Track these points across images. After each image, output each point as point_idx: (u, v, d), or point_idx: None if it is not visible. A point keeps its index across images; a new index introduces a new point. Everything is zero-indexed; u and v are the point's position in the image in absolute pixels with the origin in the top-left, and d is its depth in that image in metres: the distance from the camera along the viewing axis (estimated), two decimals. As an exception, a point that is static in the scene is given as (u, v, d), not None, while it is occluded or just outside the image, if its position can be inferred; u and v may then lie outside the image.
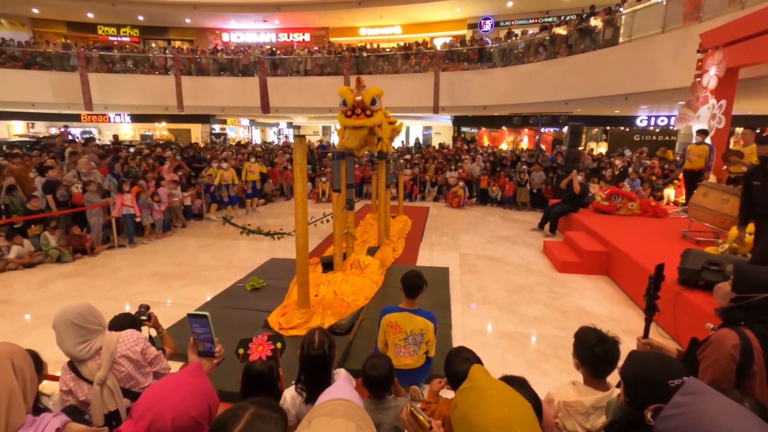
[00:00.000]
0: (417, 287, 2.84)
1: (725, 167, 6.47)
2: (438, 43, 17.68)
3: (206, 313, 1.34)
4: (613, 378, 1.51)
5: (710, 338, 1.65)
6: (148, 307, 2.44)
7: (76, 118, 18.65)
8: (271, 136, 25.90)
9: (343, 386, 1.11)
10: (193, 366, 1.17)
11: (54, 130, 18.65)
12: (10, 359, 1.17)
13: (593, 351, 1.56)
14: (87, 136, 17.27)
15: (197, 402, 1.05)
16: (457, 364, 1.67)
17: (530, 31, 15.58)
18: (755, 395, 1.47)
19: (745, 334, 1.57)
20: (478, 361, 1.74)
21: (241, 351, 1.83)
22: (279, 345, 1.86)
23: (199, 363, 1.23)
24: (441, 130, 22.26)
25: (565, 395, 1.54)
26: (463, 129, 20.59)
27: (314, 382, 1.75)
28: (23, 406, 1.16)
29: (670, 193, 9.06)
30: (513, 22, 19.16)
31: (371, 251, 6.21)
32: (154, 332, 2.51)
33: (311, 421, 0.81)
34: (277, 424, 0.88)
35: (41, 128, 19.58)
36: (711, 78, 7.54)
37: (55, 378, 1.84)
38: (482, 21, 18.80)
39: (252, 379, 1.75)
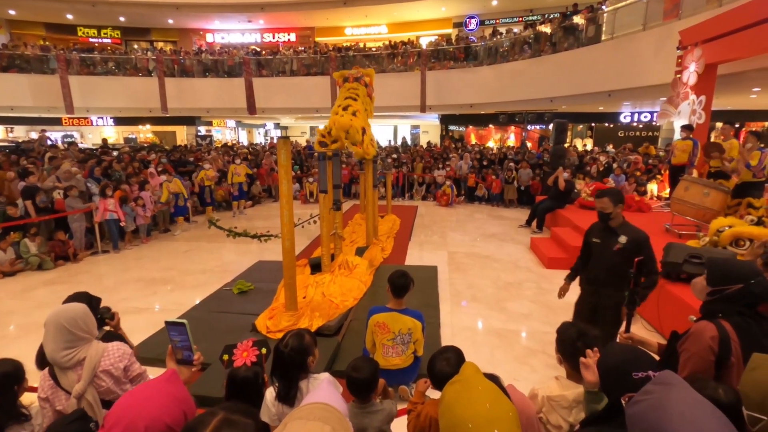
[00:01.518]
0: (404, 286, 2.84)
1: (705, 161, 6.61)
2: (424, 42, 17.72)
3: (184, 321, 1.32)
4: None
5: (689, 331, 1.67)
6: (109, 309, 2.44)
7: (57, 121, 18.28)
8: (258, 138, 25.69)
9: (325, 390, 1.11)
10: (168, 373, 1.15)
11: (34, 135, 18.23)
12: None
13: (575, 345, 1.58)
14: (69, 140, 16.95)
15: (171, 409, 1.04)
16: (439, 364, 1.67)
17: (515, 30, 15.70)
18: (733, 386, 1.50)
19: (722, 325, 1.60)
20: (462, 360, 1.74)
21: (225, 357, 1.81)
22: (264, 350, 1.84)
23: (175, 370, 1.22)
24: (429, 128, 22.34)
25: (548, 390, 1.55)
26: (451, 127, 20.69)
27: (283, 378, 1.76)
28: None
29: (653, 187, 9.22)
30: (498, 21, 19.29)
31: (360, 251, 6.20)
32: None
33: (287, 425, 0.80)
34: (247, 430, 0.86)
35: (21, 132, 19.14)
36: (691, 74, 7.69)
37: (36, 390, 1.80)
38: (467, 20, 18.88)
39: (236, 385, 1.73)
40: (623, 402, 1.12)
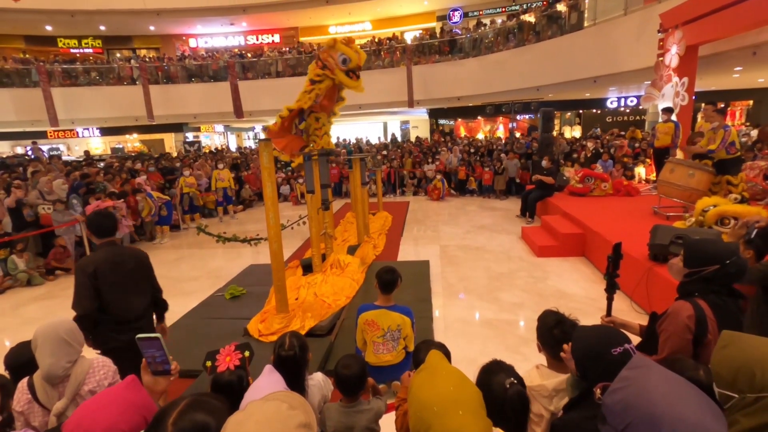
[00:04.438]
0: (391, 282, 2.84)
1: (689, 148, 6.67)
2: (408, 37, 17.68)
3: (158, 335, 1.32)
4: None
5: (667, 311, 1.69)
6: None
7: (42, 135, 18.05)
8: (248, 141, 25.55)
9: (266, 376, 1.12)
10: (127, 380, 1.17)
11: (19, 149, 18.04)
12: None
13: (552, 333, 1.59)
14: (53, 152, 16.77)
15: (129, 416, 1.05)
16: (423, 353, 1.69)
17: (499, 20, 15.70)
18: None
19: (699, 304, 1.62)
20: (445, 349, 1.77)
21: (208, 363, 1.80)
22: (247, 353, 1.83)
23: (135, 377, 1.23)
24: (418, 123, 22.32)
25: (528, 379, 1.56)
26: (441, 121, 20.68)
27: (288, 385, 1.74)
28: None
29: (640, 171, 9.28)
30: (481, 12, 19.29)
31: (352, 250, 6.19)
32: None
33: (246, 407, 0.84)
34: (215, 411, 0.90)
35: (5, 148, 18.90)
36: (672, 56, 7.73)
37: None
38: (451, 12, 18.85)
39: (220, 389, 1.73)
40: (597, 392, 1.12)
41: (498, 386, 1.24)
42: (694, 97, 7.88)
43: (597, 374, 1.20)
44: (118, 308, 2.46)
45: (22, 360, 1.84)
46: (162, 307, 2.91)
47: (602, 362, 1.19)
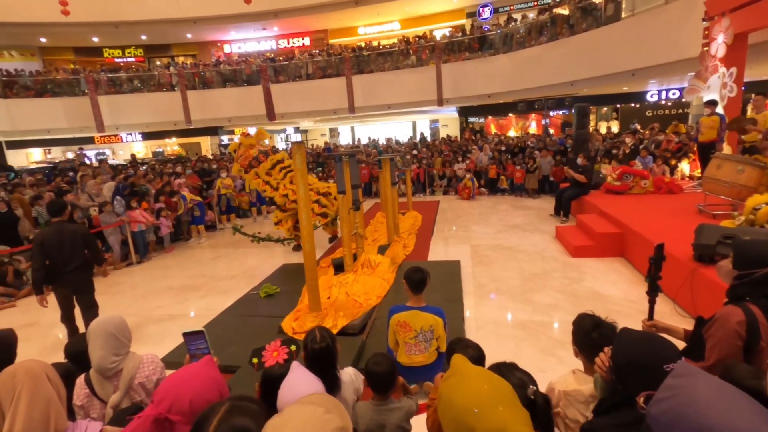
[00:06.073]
0: (421, 281, 2.85)
1: (742, 136, 6.27)
2: (438, 35, 17.54)
3: (202, 329, 1.38)
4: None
5: (715, 316, 1.61)
6: None
7: (89, 140, 19.15)
8: (280, 143, 26.11)
9: (296, 371, 1.31)
10: (206, 358, 1.28)
11: (70, 155, 19.20)
12: (45, 373, 1.27)
13: (590, 336, 1.55)
14: (101, 157, 17.75)
15: (210, 388, 1.16)
16: (458, 351, 1.68)
17: (530, 15, 15.32)
18: (764, 371, 1.43)
19: (750, 309, 1.54)
20: (479, 349, 1.75)
21: (255, 360, 1.83)
22: (293, 348, 1.86)
23: (211, 356, 1.35)
24: (447, 122, 22.13)
25: (564, 384, 1.52)
26: (470, 119, 20.41)
27: (321, 378, 1.77)
28: (64, 414, 1.27)
29: (683, 167, 8.82)
30: (512, 7, 18.86)
31: (382, 250, 6.22)
32: None
33: (283, 410, 0.87)
34: (255, 415, 0.94)
35: (57, 153, 20.17)
36: (719, 46, 7.31)
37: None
38: (481, 9, 18.54)
39: (272, 384, 1.72)
40: (640, 401, 1.07)
41: (518, 392, 1.20)
42: (743, 88, 7.42)
43: (639, 385, 1.13)
44: (59, 262, 3.80)
45: (79, 348, 1.98)
46: (99, 262, 4.50)
47: (649, 375, 1.12)
